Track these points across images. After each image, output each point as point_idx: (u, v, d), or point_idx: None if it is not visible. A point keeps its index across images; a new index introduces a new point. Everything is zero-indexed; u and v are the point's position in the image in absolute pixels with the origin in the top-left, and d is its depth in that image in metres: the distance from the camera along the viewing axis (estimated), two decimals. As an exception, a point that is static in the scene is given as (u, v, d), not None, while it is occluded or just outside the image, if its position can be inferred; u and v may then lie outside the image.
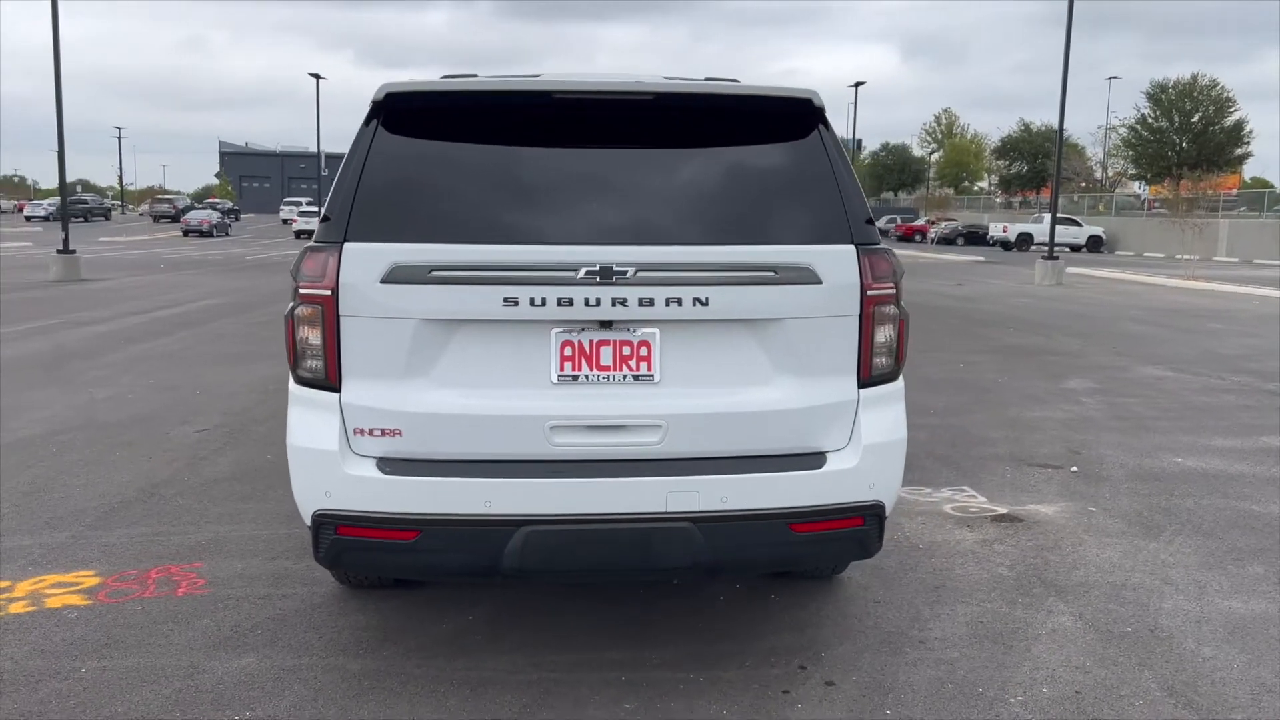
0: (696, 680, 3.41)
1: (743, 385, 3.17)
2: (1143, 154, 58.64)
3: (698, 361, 3.15)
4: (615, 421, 3.08)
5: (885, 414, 3.29)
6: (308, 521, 3.12)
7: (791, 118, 3.30)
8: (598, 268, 3.01)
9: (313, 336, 3.08)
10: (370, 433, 3.09)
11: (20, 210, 76.52)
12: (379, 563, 3.20)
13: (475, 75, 3.44)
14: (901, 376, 3.39)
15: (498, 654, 3.59)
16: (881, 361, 3.28)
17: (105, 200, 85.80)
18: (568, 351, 3.09)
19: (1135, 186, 65.72)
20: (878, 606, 4.05)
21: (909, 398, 7.98)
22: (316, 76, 47.12)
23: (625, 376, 3.11)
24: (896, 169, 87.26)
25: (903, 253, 43.19)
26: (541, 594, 4.09)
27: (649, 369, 3.12)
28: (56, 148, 23.09)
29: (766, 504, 3.08)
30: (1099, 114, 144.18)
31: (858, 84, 45.45)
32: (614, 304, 3.04)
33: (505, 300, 3.01)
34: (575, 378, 3.09)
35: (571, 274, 3.00)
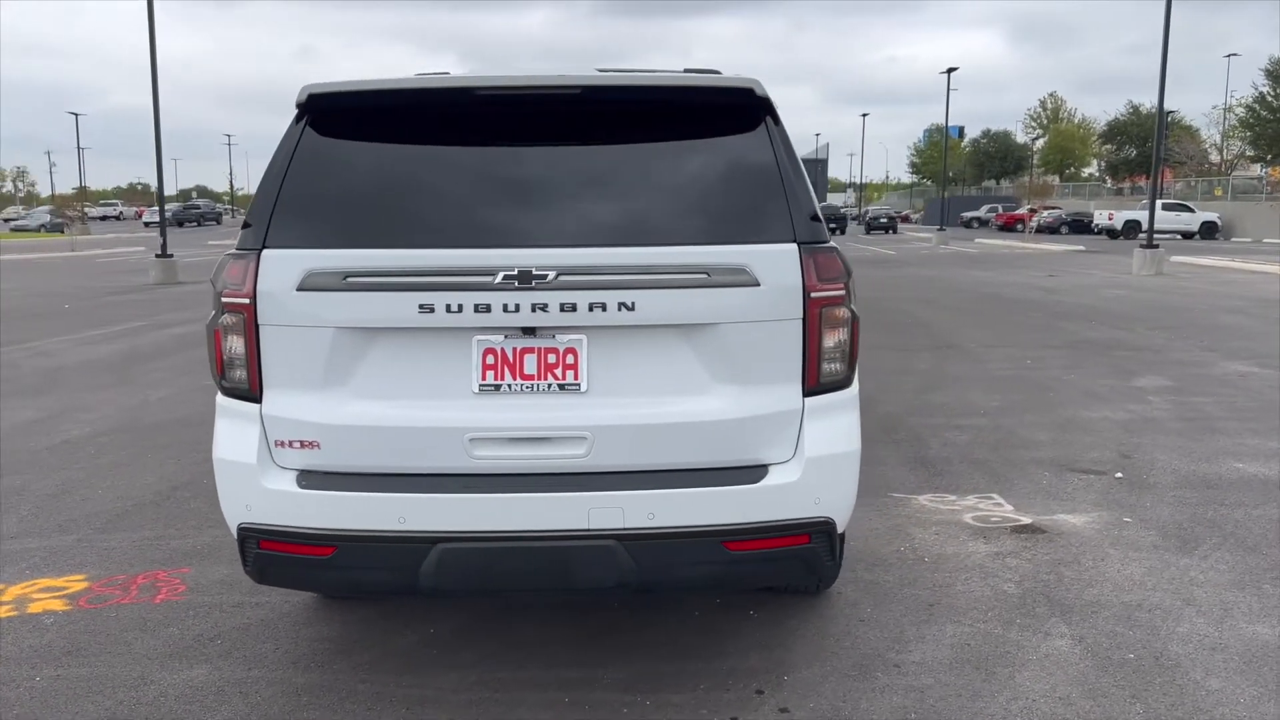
0: (643, 704, 3.24)
1: (676, 394, 2.99)
2: (1262, 134, 55.55)
3: (628, 369, 2.98)
4: (538, 433, 2.94)
5: (834, 424, 3.07)
6: (234, 534, 3.06)
7: (733, 109, 3.10)
8: (516, 272, 2.86)
9: (233, 346, 3.01)
10: (290, 445, 3.01)
11: (139, 216, 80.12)
12: (301, 578, 3.13)
13: (446, 74, 3.34)
14: (855, 383, 3.16)
15: (448, 670, 3.49)
16: (831, 368, 3.06)
17: (218, 205, 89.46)
18: (490, 360, 2.96)
19: (1255, 169, 62.37)
20: (861, 625, 3.82)
21: (966, 396, 7.65)
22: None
23: (550, 386, 2.96)
24: (998, 156, 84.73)
25: (998, 242, 41.88)
26: (514, 604, 3.97)
27: (575, 378, 2.96)
28: (158, 158, 23.97)
29: (697, 521, 2.90)
30: (1217, 94, 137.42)
31: (950, 70, 44.15)
32: (534, 310, 2.89)
33: (421, 307, 2.90)
34: (497, 387, 2.96)
35: (489, 279, 2.87)
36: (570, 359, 2.96)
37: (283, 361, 2.99)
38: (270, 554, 3.02)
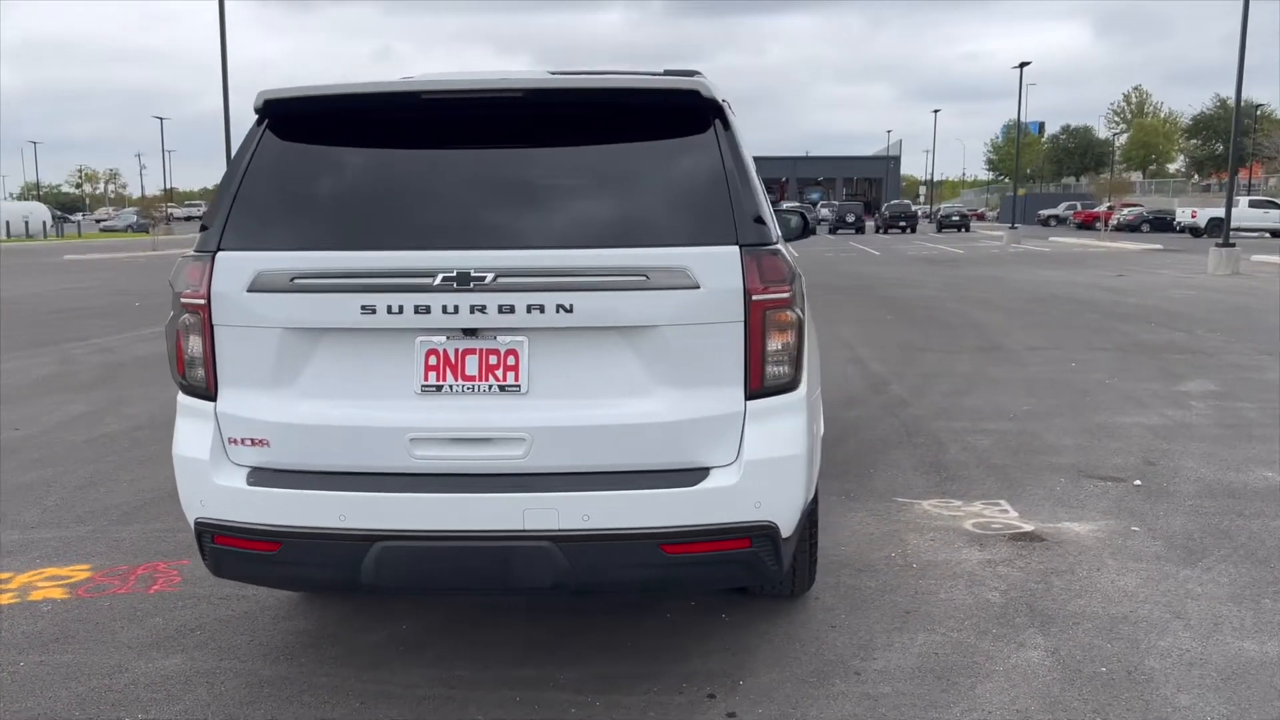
0: (593, 704, 3.25)
1: (617, 397, 2.99)
2: (1359, 128, 53.20)
3: (569, 371, 2.99)
4: (478, 434, 2.97)
5: (778, 427, 3.03)
6: (192, 528, 3.15)
7: (679, 111, 3.09)
8: (455, 273, 2.90)
9: (191, 345, 3.10)
10: (242, 442, 3.09)
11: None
12: (252, 573, 3.20)
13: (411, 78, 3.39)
14: (804, 386, 3.12)
15: (411, 666, 3.54)
16: (776, 371, 3.03)
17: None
18: (432, 361, 3.00)
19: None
20: (831, 631, 3.77)
21: (998, 400, 7.50)
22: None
23: (491, 387, 2.99)
24: (1078, 152, 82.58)
25: (1072, 241, 40.81)
26: (487, 604, 4.02)
27: (516, 379, 2.98)
28: (229, 160, 24.69)
29: (632, 523, 2.90)
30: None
31: (1022, 64, 43.16)
32: (473, 311, 2.92)
33: (363, 308, 2.95)
34: (439, 388, 2.99)
35: (428, 280, 2.91)
36: (511, 360, 2.98)
37: (236, 361, 3.07)
38: (223, 549, 3.10)
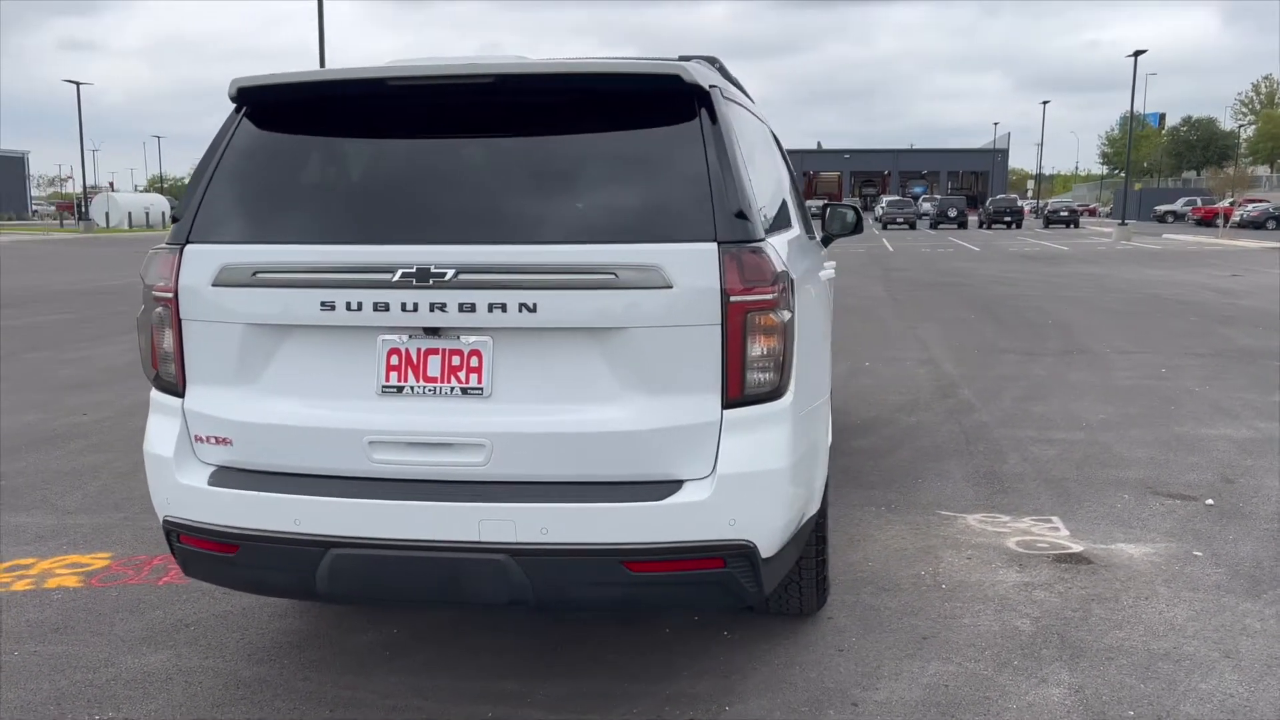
0: (565, 725, 3.09)
1: (584, 402, 2.81)
2: None
3: (535, 374, 2.82)
4: (437, 439, 2.82)
5: (758, 439, 2.81)
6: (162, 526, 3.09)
7: (659, 98, 2.89)
8: (414, 269, 2.75)
9: (160, 340, 3.04)
10: (207, 440, 3.01)
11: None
12: (216, 575, 3.11)
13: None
14: (790, 395, 2.88)
15: (390, 673, 3.43)
16: (758, 378, 2.80)
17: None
18: (394, 361, 2.86)
19: None
20: (837, 656, 3.53)
21: (1072, 407, 7.10)
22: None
23: (453, 389, 2.84)
24: (1199, 145, 78.73)
25: (1188, 238, 38.85)
26: (483, 612, 3.88)
27: (479, 381, 2.83)
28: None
29: (593, 538, 2.71)
30: None
31: (1137, 53, 41.21)
32: (432, 309, 2.77)
33: (323, 304, 2.83)
34: (400, 389, 2.86)
35: (388, 276, 2.77)
36: (475, 361, 2.83)
37: (202, 356, 2.99)
38: (187, 549, 3.03)
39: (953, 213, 53.12)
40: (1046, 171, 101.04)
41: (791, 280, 2.90)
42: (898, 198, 61.07)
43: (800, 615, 3.77)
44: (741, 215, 2.77)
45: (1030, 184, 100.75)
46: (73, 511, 5.28)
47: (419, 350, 2.84)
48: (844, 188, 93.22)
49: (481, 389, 2.82)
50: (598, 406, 2.79)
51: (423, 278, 2.75)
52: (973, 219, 57.81)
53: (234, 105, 3.10)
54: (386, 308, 2.79)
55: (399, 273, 2.76)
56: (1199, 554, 4.50)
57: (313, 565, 2.82)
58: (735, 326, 2.75)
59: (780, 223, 3.53)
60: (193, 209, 3.00)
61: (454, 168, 2.94)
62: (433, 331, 2.83)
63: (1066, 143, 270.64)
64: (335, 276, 2.81)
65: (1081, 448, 6.42)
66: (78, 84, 54.71)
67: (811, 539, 3.49)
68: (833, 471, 5.84)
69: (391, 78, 2.89)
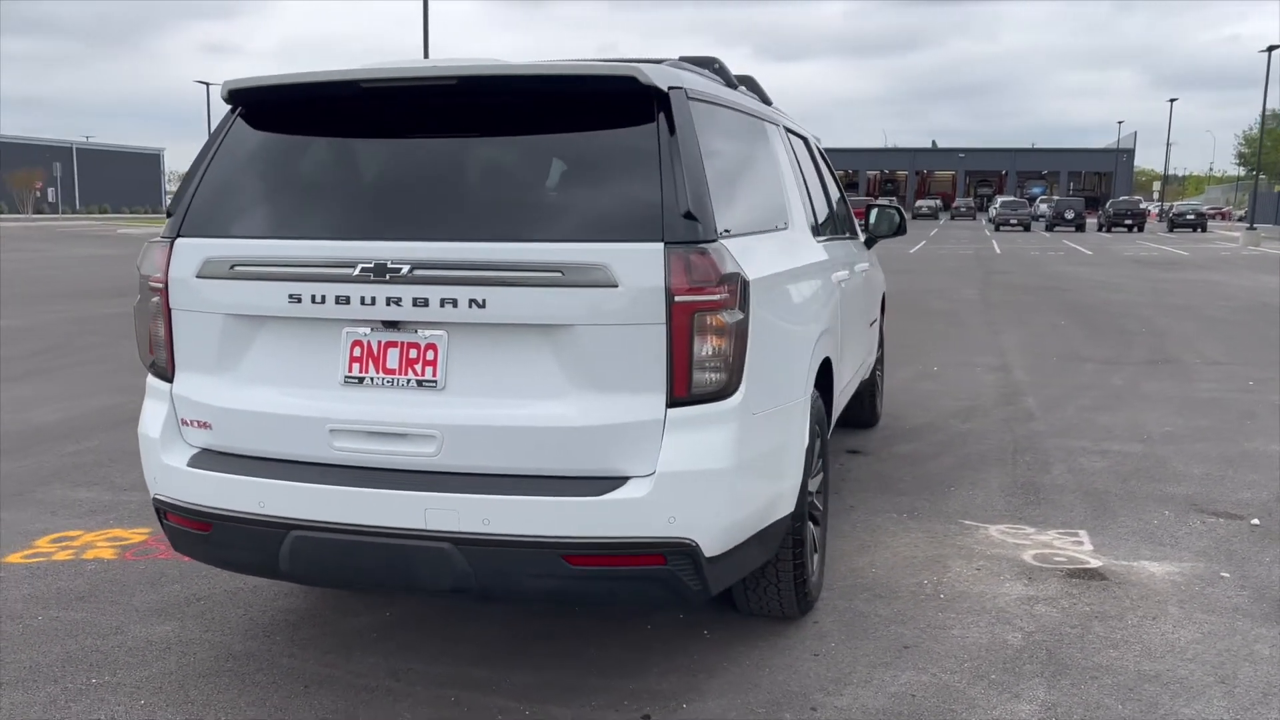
0: (522, 713, 3.15)
1: (532, 398, 2.87)
2: None
3: (487, 369, 2.89)
4: (393, 429, 2.92)
5: (702, 438, 2.82)
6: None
7: (617, 98, 2.93)
8: (373, 265, 2.86)
9: (153, 328, 3.22)
10: (192, 424, 3.18)
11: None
12: (197, 552, 3.27)
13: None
14: (740, 395, 2.88)
15: (370, 655, 3.55)
16: (706, 378, 2.82)
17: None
18: (356, 353, 2.97)
19: None
20: (810, 660, 3.50)
21: (1139, 418, 6.95)
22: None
23: (409, 381, 2.93)
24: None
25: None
26: (473, 600, 3.98)
27: (434, 374, 2.92)
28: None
29: (532, 531, 2.77)
30: None
31: (1271, 48, 39.05)
32: (389, 303, 2.88)
33: (290, 297, 2.96)
34: (361, 380, 2.97)
35: (349, 270, 2.89)
36: (430, 355, 2.92)
37: (189, 344, 3.16)
38: (172, 526, 3.21)
39: (1070, 215, 51.29)
40: (1179, 173, 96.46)
41: (745, 282, 2.89)
42: (1012, 198, 59.25)
43: (783, 618, 3.75)
44: (690, 216, 2.79)
45: (1156, 185, 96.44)
46: (127, 489, 5.59)
47: (380, 343, 2.95)
48: (958, 187, 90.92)
49: (436, 382, 2.91)
50: (546, 402, 2.85)
51: (380, 273, 2.85)
52: (1092, 221, 55.73)
53: (229, 106, 3.26)
54: (348, 301, 2.90)
55: (359, 267, 2.87)
56: (1226, 575, 4.30)
57: (275, 546, 2.96)
58: (681, 326, 2.77)
59: (764, 224, 3.52)
60: (185, 204, 3.18)
61: (418, 166, 3.04)
62: (392, 325, 2.93)
63: (1202, 142, 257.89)
64: (302, 270, 2.94)
65: (1134, 460, 6.17)
66: (207, 84, 57.40)
67: (787, 542, 3.47)
68: (864, 476, 5.82)
69: (363, 79, 3.00)
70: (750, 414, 2.94)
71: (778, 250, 3.48)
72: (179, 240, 3.14)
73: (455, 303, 2.82)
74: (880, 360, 7.22)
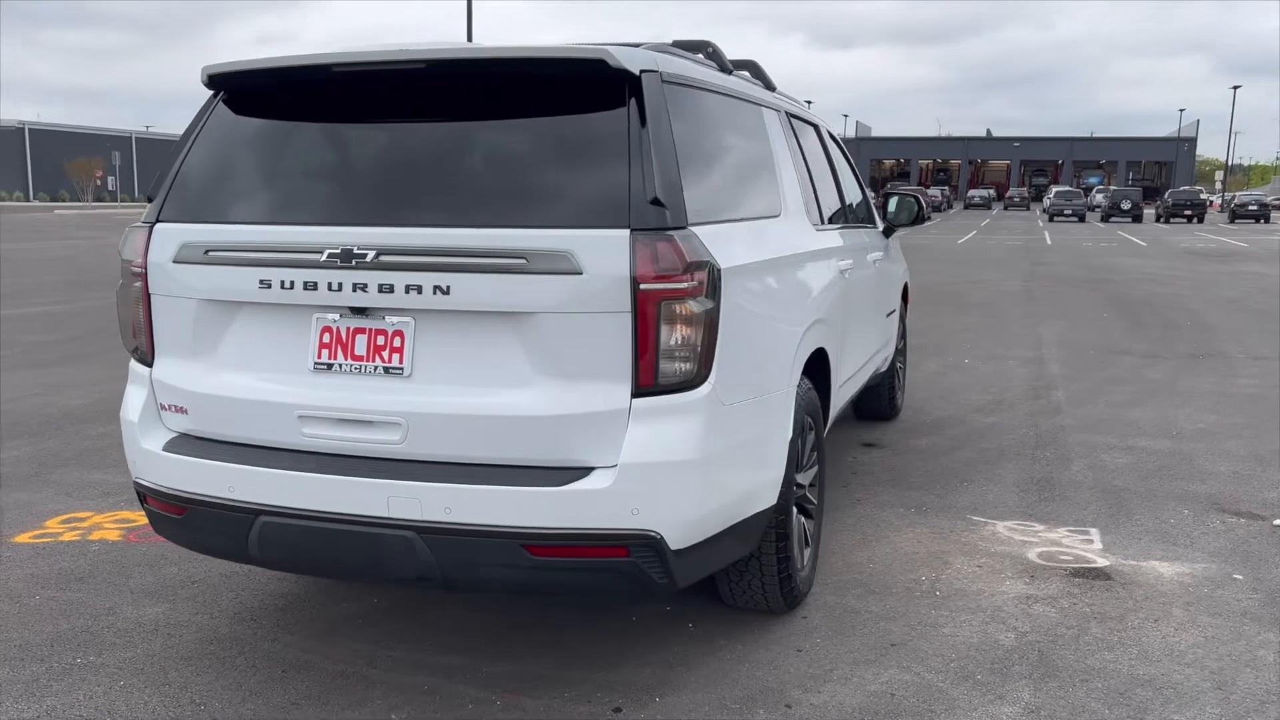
0: (493, 703, 3.14)
1: (498, 386, 2.83)
2: None
3: (453, 357, 2.87)
4: (359, 416, 2.91)
5: (667, 429, 2.77)
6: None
7: (587, 83, 2.88)
8: (339, 250, 2.85)
9: (134, 312, 3.24)
10: (170, 409, 3.20)
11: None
12: (173, 536, 3.29)
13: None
14: (709, 386, 2.82)
15: (352, 641, 3.56)
16: (673, 367, 2.77)
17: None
18: (326, 339, 2.97)
19: None
20: (794, 656, 3.44)
21: (1170, 414, 6.82)
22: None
23: (376, 368, 2.92)
24: None
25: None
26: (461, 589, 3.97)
27: (400, 361, 2.90)
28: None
29: (493, 520, 2.74)
30: None
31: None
32: (355, 289, 2.86)
33: (260, 282, 2.96)
34: (330, 366, 2.96)
35: (316, 256, 2.87)
36: (398, 342, 2.90)
37: (167, 329, 3.18)
38: (151, 509, 3.23)
39: (1126, 205, 50.14)
40: (1244, 162, 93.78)
41: (717, 270, 2.83)
42: (1067, 188, 58.07)
43: (769, 613, 3.69)
44: (658, 202, 2.73)
45: (1219, 175, 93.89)
46: (142, 472, 5.66)
47: (348, 329, 2.94)
48: (1012, 177, 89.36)
49: (402, 369, 2.89)
50: (511, 390, 2.82)
51: (346, 259, 2.83)
52: (1150, 212, 54.44)
53: (210, 91, 3.26)
54: (316, 287, 2.89)
55: (326, 253, 2.86)
56: (1239, 577, 4.15)
57: (245, 531, 2.96)
58: (647, 315, 2.72)
59: (751, 211, 3.45)
60: (164, 190, 3.19)
61: (388, 151, 3.02)
62: (360, 311, 2.91)
63: (1269, 131, 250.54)
64: (272, 256, 2.93)
65: (1159, 457, 6.00)
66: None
67: (770, 536, 3.41)
68: (877, 469, 5.72)
69: (335, 63, 2.98)
70: (721, 404, 2.89)
71: (764, 238, 3.41)
72: (158, 225, 3.15)
73: (420, 289, 2.80)
74: (901, 352, 7.10)
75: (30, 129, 69.52)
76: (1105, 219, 50.79)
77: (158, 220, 3.16)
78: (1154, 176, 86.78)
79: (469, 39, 25.10)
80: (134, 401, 3.27)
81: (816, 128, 5.10)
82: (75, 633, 3.62)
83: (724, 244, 2.96)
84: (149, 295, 3.18)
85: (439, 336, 2.87)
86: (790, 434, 3.39)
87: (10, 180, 67.78)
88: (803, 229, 3.94)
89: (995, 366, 9.16)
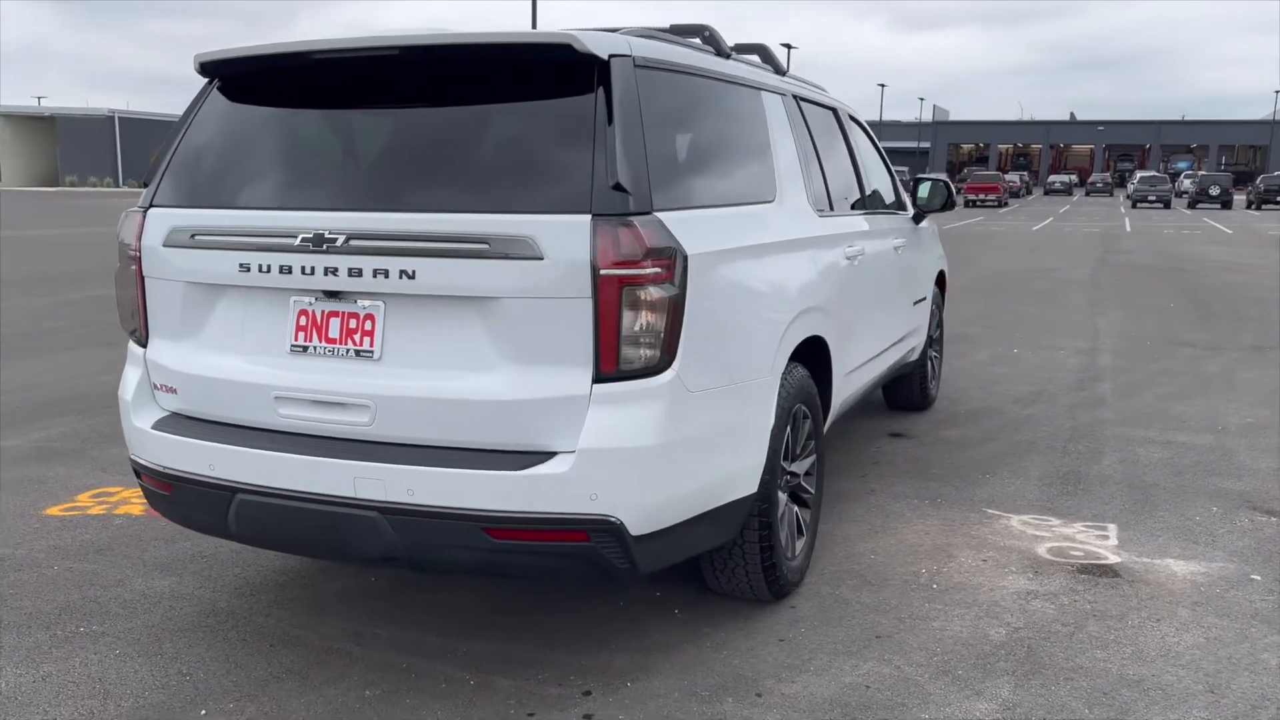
0: (466, 683, 3.18)
1: (463, 370, 2.86)
2: None
3: (421, 340, 2.90)
4: (331, 398, 2.96)
5: (628, 415, 2.77)
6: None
7: (556, 68, 2.88)
8: (311, 235, 2.90)
9: (131, 294, 3.34)
10: (162, 388, 3.30)
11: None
12: (164, 510, 3.38)
13: None
14: (673, 372, 2.81)
15: (343, 618, 3.63)
16: (635, 353, 2.76)
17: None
18: (302, 322, 3.02)
19: None
20: (774, 645, 3.42)
21: (1219, 408, 6.67)
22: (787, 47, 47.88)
23: (349, 351, 2.97)
24: None
25: None
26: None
27: (370, 344, 2.94)
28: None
29: (453, 502, 2.77)
30: None
31: None
32: (326, 273, 2.91)
33: (240, 266, 3.03)
34: (305, 348, 3.02)
35: (290, 240, 2.93)
36: (369, 325, 2.94)
37: (159, 311, 3.28)
38: (144, 485, 3.34)
39: (1214, 191, 48.34)
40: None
41: (684, 256, 2.81)
42: (1152, 173, 56.17)
43: (755, 601, 3.67)
44: (620, 188, 2.72)
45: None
46: (177, 449, 5.85)
47: (322, 312, 2.99)
48: (1095, 162, 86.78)
49: (373, 352, 2.94)
50: (475, 375, 2.84)
51: (318, 243, 2.89)
52: (1241, 198, 52.40)
53: (206, 79, 3.34)
54: (290, 271, 2.95)
55: (300, 237, 2.91)
56: (1257, 578, 4.00)
57: (224, 508, 3.05)
58: (609, 300, 2.72)
59: (736, 196, 3.43)
60: (159, 175, 3.28)
61: (363, 137, 3.06)
62: (333, 295, 2.96)
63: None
64: (250, 240, 3.00)
65: (1198, 453, 5.80)
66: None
67: (752, 524, 3.39)
68: (899, 460, 5.64)
69: (314, 50, 3.02)
70: (687, 391, 2.87)
71: (748, 224, 3.38)
72: (151, 210, 3.25)
73: (387, 273, 2.84)
74: (936, 341, 6.97)
75: (120, 117, 71.87)
76: (1192, 205, 49.08)
77: (151, 205, 3.26)
78: (1248, 161, 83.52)
79: (533, 19, 25.24)
80: (130, 381, 3.37)
81: (835, 112, 5.02)
82: (84, 602, 3.77)
83: (695, 230, 2.94)
84: (143, 278, 3.28)
85: (407, 320, 2.90)
86: (772, 422, 3.36)
87: (102, 167, 70.24)
88: (800, 215, 3.89)
89: (1045, 357, 8.94)
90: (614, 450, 2.75)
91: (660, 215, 2.81)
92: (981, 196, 49.42)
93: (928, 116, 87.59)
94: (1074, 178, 71.48)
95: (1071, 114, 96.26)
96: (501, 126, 2.95)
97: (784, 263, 3.59)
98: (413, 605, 3.73)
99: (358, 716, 2.99)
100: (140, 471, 3.32)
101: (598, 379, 2.76)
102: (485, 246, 2.75)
